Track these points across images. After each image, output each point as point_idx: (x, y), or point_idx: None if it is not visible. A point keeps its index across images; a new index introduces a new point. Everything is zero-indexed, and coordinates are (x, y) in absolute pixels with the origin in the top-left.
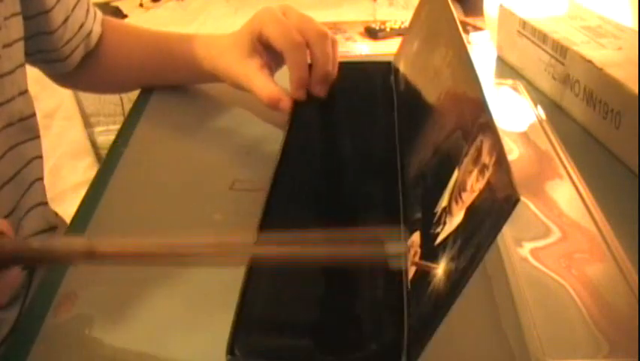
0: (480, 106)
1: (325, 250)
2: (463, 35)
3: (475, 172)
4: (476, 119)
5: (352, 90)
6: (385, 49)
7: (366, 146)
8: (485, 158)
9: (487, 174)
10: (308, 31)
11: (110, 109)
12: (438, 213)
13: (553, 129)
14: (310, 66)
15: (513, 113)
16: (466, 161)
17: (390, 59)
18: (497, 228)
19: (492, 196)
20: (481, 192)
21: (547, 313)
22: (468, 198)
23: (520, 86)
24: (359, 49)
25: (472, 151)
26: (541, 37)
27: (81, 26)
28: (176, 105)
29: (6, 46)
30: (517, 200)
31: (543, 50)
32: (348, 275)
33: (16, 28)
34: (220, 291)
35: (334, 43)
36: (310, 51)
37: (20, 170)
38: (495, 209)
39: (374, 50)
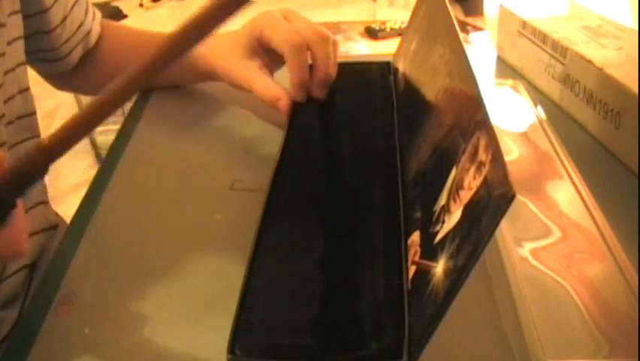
0: (476, 103)
1: None
2: (460, 33)
3: (472, 170)
4: (473, 116)
5: (352, 90)
6: (385, 49)
7: (366, 146)
8: (482, 155)
9: (484, 171)
10: (309, 34)
11: None
12: (437, 212)
13: (553, 129)
14: (311, 68)
15: (513, 113)
16: (464, 159)
17: (390, 59)
18: (494, 225)
19: (488, 193)
20: (478, 190)
21: (548, 314)
22: (465, 195)
23: (520, 86)
24: (359, 49)
25: (470, 149)
26: (541, 37)
27: (80, 25)
28: (176, 105)
29: (8, 43)
30: (513, 196)
31: (543, 50)
32: (349, 275)
33: (17, 26)
34: (221, 290)
35: (335, 45)
36: (311, 53)
37: None
38: (491, 206)
39: (374, 50)
